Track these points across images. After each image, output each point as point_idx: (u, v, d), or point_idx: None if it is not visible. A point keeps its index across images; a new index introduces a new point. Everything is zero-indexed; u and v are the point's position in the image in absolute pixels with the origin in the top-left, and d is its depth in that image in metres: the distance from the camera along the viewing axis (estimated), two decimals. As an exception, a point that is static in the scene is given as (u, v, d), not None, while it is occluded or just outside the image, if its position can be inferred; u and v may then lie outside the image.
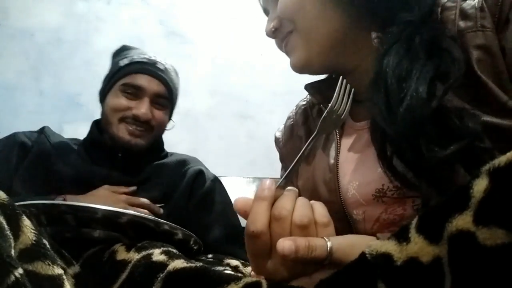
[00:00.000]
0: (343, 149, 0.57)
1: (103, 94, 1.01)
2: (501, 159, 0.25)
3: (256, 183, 1.55)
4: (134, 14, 1.91)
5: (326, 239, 0.37)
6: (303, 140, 0.66)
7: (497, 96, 0.41)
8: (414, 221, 0.28)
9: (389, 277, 0.27)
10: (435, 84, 0.41)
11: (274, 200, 0.39)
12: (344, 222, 0.54)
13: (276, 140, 0.75)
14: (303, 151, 0.43)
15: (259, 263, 0.39)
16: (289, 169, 0.43)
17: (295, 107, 0.74)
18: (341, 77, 0.47)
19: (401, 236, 0.28)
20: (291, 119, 0.72)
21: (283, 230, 0.37)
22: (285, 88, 1.84)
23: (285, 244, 0.35)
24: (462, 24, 0.46)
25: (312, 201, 0.41)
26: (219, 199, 0.96)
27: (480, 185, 0.25)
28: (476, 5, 0.45)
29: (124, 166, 0.96)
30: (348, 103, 0.46)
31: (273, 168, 1.69)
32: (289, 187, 0.42)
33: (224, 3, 1.94)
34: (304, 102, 0.72)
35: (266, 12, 0.64)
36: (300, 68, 0.58)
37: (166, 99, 1.01)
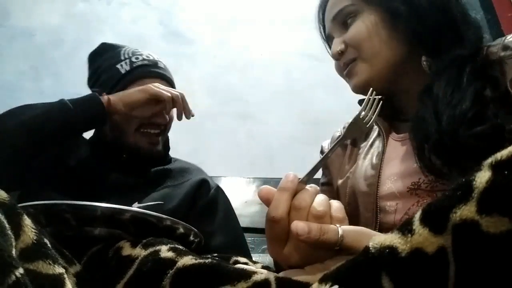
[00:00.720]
0: (387, 153, 0.66)
1: None
2: (503, 153, 0.26)
3: (256, 183, 1.55)
4: (135, 15, 1.91)
5: (338, 225, 0.40)
6: (347, 148, 0.75)
7: None
8: (418, 214, 0.29)
9: (394, 268, 0.28)
10: (478, 100, 0.50)
11: (295, 193, 0.42)
12: (372, 213, 0.62)
13: (322, 148, 0.84)
14: (328, 151, 0.47)
15: (275, 248, 0.42)
16: (312, 167, 0.45)
17: (345, 123, 0.82)
18: (371, 89, 0.52)
19: (405, 229, 0.29)
20: (339, 132, 0.82)
21: (301, 219, 0.40)
22: (285, 88, 1.84)
23: (298, 225, 0.39)
24: (503, 53, 0.55)
25: (331, 200, 0.44)
26: (222, 207, 0.96)
27: (482, 177, 0.26)
28: None
29: (128, 168, 0.94)
30: (376, 113, 0.50)
31: (273, 168, 1.70)
32: (311, 184, 0.44)
33: (224, 3, 1.94)
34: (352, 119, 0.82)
35: (329, 38, 0.72)
36: (361, 89, 0.66)
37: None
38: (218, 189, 1.00)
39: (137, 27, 1.89)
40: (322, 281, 0.31)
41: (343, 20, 0.66)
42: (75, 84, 1.78)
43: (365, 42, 0.63)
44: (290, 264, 0.42)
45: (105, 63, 0.99)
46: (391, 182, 0.61)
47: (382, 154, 0.65)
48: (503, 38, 0.58)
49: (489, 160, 0.27)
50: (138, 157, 0.94)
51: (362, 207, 0.64)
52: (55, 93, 1.77)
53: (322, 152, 0.84)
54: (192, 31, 1.90)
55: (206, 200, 0.94)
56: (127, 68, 0.95)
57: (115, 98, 0.86)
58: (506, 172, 0.25)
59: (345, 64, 0.67)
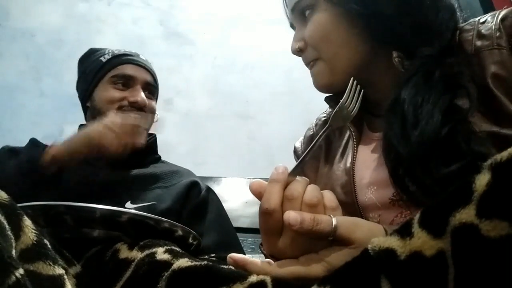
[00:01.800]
0: (360, 155, 0.61)
1: (88, 93, 1.01)
2: (503, 155, 0.26)
3: (257, 183, 1.55)
4: (135, 15, 1.91)
5: (331, 216, 0.40)
6: (322, 149, 0.71)
7: (507, 108, 0.46)
8: (417, 217, 0.29)
9: (393, 271, 0.28)
10: (449, 114, 0.46)
11: (286, 185, 0.42)
12: None
13: (295, 150, 0.79)
14: (314, 142, 0.46)
15: (270, 241, 0.42)
16: (300, 158, 0.45)
17: (315, 119, 0.78)
18: (352, 78, 0.51)
19: (404, 232, 0.29)
20: (311, 130, 0.77)
21: (294, 209, 0.40)
22: (285, 89, 1.84)
23: (291, 215, 0.38)
24: (479, 43, 0.50)
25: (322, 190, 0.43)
26: (213, 208, 0.97)
27: (482, 180, 0.26)
28: (493, 26, 0.50)
29: (117, 165, 0.96)
30: (358, 101, 0.50)
31: (273, 168, 1.69)
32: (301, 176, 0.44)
33: (224, 3, 1.94)
34: (324, 115, 0.77)
35: (293, 27, 0.68)
36: (324, 89, 0.64)
37: (154, 87, 1.04)
38: (209, 190, 1.01)
39: (137, 28, 1.89)
40: (321, 283, 0.31)
41: (302, 12, 0.61)
42: (75, 85, 1.78)
43: (323, 43, 0.59)
44: (286, 257, 0.41)
45: (91, 60, 1.04)
46: (371, 193, 0.57)
47: (353, 158, 0.61)
48: (476, 20, 0.53)
49: (489, 162, 0.26)
50: None
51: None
52: (55, 93, 1.77)
53: (295, 153, 0.79)
54: (192, 32, 1.90)
55: (197, 201, 0.95)
56: (108, 57, 1.01)
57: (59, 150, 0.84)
58: (505, 175, 0.25)
59: (308, 63, 0.63)
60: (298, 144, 0.79)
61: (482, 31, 0.51)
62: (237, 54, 1.86)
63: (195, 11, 1.92)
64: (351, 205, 0.58)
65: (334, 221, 0.39)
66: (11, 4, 1.85)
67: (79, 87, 1.07)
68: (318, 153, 0.71)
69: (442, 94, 0.48)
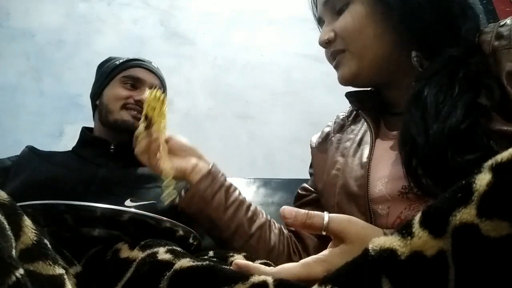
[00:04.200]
0: (376, 151, 0.63)
1: (99, 91, 1.08)
2: (504, 155, 0.26)
3: (257, 183, 1.55)
4: (135, 15, 1.91)
5: (325, 212, 0.42)
6: (333, 146, 0.73)
7: None
8: (418, 216, 0.29)
9: (393, 271, 0.28)
10: (471, 109, 0.48)
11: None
12: (366, 216, 0.59)
13: (311, 142, 0.82)
14: None
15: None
16: None
17: (335, 117, 0.81)
18: None
19: (405, 231, 0.29)
20: (329, 127, 0.79)
21: None
22: (285, 89, 1.84)
23: (286, 209, 0.40)
24: (496, 43, 0.52)
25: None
26: None
27: (483, 180, 0.26)
28: (511, 27, 0.52)
29: (116, 162, 0.99)
30: None
31: (273, 169, 1.70)
32: None
33: (224, 3, 1.94)
34: (343, 113, 0.80)
35: (320, 21, 0.69)
36: (348, 81, 0.65)
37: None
38: None
39: (137, 28, 1.89)
40: (321, 283, 0.31)
41: (335, 5, 0.63)
42: (75, 85, 1.78)
43: (355, 35, 0.60)
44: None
45: (107, 65, 1.11)
46: (381, 185, 0.59)
47: (371, 153, 0.63)
48: (496, 24, 0.55)
49: (490, 162, 0.26)
50: (121, 132, 1.00)
51: (355, 210, 0.61)
52: (55, 94, 1.77)
53: (311, 144, 0.81)
54: (192, 32, 1.90)
55: None
56: (122, 60, 1.09)
57: None
58: (506, 175, 0.25)
59: (333, 54, 0.65)
60: (314, 139, 0.81)
61: (501, 32, 0.53)
62: (237, 54, 1.86)
63: (195, 11, 1.92)
64: (362, 198, 0.60)
65: (326, 216, 0.41)
66: (11, 4, 1.85)
67: (92, 88, 1.13)
68: (329, 150, 0.74)
69: (465, 91, 0.50)
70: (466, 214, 0.25)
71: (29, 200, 0.50)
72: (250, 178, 1.58)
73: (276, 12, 1.86)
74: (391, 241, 0.29)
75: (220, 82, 1.84)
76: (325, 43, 0.65)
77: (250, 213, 0.72)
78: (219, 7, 1.93)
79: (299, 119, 1.75)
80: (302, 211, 0.40)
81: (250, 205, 0.74)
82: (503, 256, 0.24)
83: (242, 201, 0.73)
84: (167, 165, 0.72)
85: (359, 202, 0.61)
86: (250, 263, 0.42)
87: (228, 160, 1.70)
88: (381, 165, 0.61)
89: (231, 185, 0.76)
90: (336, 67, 0.66)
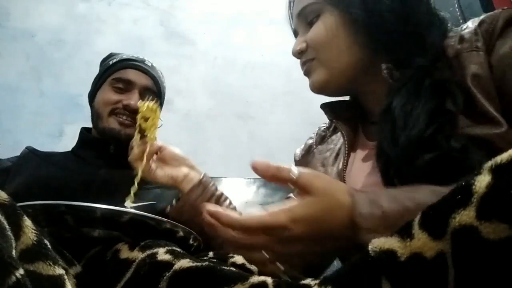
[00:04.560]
0: (355, 161, 0.65)
1: (93, 94, 1.06)
2: (503, 156, 0.26)
3: (257, 183, 1.55)
4: (135, 15, 1.91)
5: (295, 167, 0.41)
6: (315, 158, 0.75)
7: (483, 107, 0.49)
8: (417, 218, 0.29)
9: (393, 273, 0.28)
10: (434, 116, 0.50)
11: None
12: None
13: (295, 155, 0.83)
14: None
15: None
16: None
17: (317, 129, 0.82)
18: None
19: (405, 233, 0.29)
20: (312, 139, 0.81)
21: None
22: (285, 89, 1.84)
23: (257, 162, 0.40)
24: (459, 46, 0.54)
25: None
26: None
27: (482, 181, 0.26)
28: (472, 30, 0.54)
29: (116, 163, 0.98)
30: None
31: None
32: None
33: (224, 3, 1.94)
34: (324, 124, 0.81)
35: (296, 33, 0.71)
36: (318, 89, 0.66)
37: (154, 93, 1.06)
38: None
39: (137, 28, 1.89)
40: (321, 284, 0.31)
41: (307, 17, 0.65)
42: (75, 85, 1.78)
43: (324, 45, 0.62)
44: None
45: (104, 63, 1.09)
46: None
47: (344, 163, 0.64)
48: (459, 28, 0.57)
49: (489, 163, 0.26)
50: (117, 145, 1.00)
51: None
52: (56, 94, 1.77)
53: (294, 157, 0.82)
54: (192, 32, 1.90)
55: None
56: (115, 60, 1.06)
57: None
58: (506, 177, 0.25)
59: (304, 63, 0.67)
60: (298, 151, 0.82)
61: (463, 35, 0.55)
62: (237, 54, 1.86)
63: (195, 11, 1.92)
64: None
65: (295, 170, 0.40)
66: (11, 4, 1.84)
67: (90, 88, 1.11)
68: (309, 159, 0.76)
69: (430, 99, 0.51)
70: (466, 216, 0.25)
71: (29, 201, 0.50)
72: (250, 178, 1.58)
73: (276, 12, 1.86)
74: (391, 242, 0.29)
75: (220, 82, 1.84)
76: (298, 54, 0.66)
77: None
78: (219, 7, 1.92)
79: (299, 119, 1.75)
80: (274, 164, 0.40)
81: (240, 214, 0.75)
82: (502, 259, 0.24)
83: (233, 210, 0.75)
84: (159, 172, 0.76)
85: None
86: (220, 209, 0.40)
87: (228, 160, 1.70)
88: (361, 175, 0.61)
89: (222, 194, 0.78)
90: (306, 75, 0.67)
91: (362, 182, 0.60)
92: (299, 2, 0.66)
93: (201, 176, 0.77)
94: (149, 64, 1.08)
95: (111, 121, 0.99)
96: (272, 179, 0.41)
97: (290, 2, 0.71)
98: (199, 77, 1.83)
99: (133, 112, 0.98)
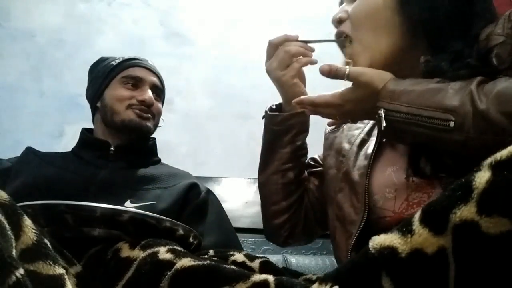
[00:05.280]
0: (386, 143, 0.68)
1: (99, 94, 1.07)
2: (503, 153, 0.26)
3: (257, 183, 1.55)
4: (135, 15, 1.91)
5: (348, 67, 0.57)
6: (343, 134, 0.80)
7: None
8: (418, 214, 0.29)
9: (394, 269, 0.28)
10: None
11: None
12: (362, 204, 0.64)
13: (325, 129, 0.88)
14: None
15: None
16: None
17: None
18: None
19: (405, 229, 0.29)
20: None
21: None
22: (286, 89, 1.83)
23: (323, 65, 0.57)
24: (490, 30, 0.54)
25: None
26: (213, 209, 0.99)
27: (482, 177, 0.26)
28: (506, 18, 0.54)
29: (116, 163, 0.99)
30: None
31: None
32: None
33: (225, 4, 1.94)
34: None
35: (341, 2, 0.74)
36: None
37: (161, 91, 1.11)
38: (209, 192, 1.03)
39: (137, 28, 1.89)
40: (322, 281, 0.31)
41: None
42: (75, 85, 1.78)
43: (364, 21, 0.61)
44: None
45: (101, 66, 1.10)
46: (392, 170, 0.63)
47: (376, 145, 0.67)
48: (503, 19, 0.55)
49: (489, 160, 0.27)
50: (128, 132, 1.02)
51: (353, 197, 0.66)
52: (55, 94, 1.77)
53: (325, 131, 0.87)
54: (192, 32, 1.90)
55: (197, 202, 0.97)
56: (119, 61, 1.08)
57: None
58: (505, 173, 0.25)
59: (339, 34, 0.69)
60: (328, 128, 0.87)
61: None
62: (237, 54, 1.86)
63: (195, 11, 1.92)
64: (361, 186, 0.65)
65: (347, 69, 0.56)
66: (11, 4, 1.85)
67: (89, 90, 1.11)
68: (337, 133, 0.81)
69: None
70: (466, 211, 0.26)
71: (29, 201, 0.50)
72: (250, 178, 1.58)
73: (276, 12, 1.86)
74: (391, 238, 0.29)
75: (220, 82, 1.84)
76: (337, 22, 0.69)
77: None
78: (219, 7, 1.92)
79: (299, 119, 1.75)
80: (334, 65, 0.57)
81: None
82: (503, 253, 0.24)
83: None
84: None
85: (358, 190, 0.65)
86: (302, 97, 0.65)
87: (229, 160, 1.70)
88: (390, 155, 0.65)
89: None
90: (341, 48, 0.70)
91: (391, 160, 0.64)
92: None
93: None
94: (152, 64, 1.11)
95: (129, 114, 1.01)
96: (330, 74, 0.56)
97: None
98: (199, 77, 1.83)
99: (148, 106, 1.03)
